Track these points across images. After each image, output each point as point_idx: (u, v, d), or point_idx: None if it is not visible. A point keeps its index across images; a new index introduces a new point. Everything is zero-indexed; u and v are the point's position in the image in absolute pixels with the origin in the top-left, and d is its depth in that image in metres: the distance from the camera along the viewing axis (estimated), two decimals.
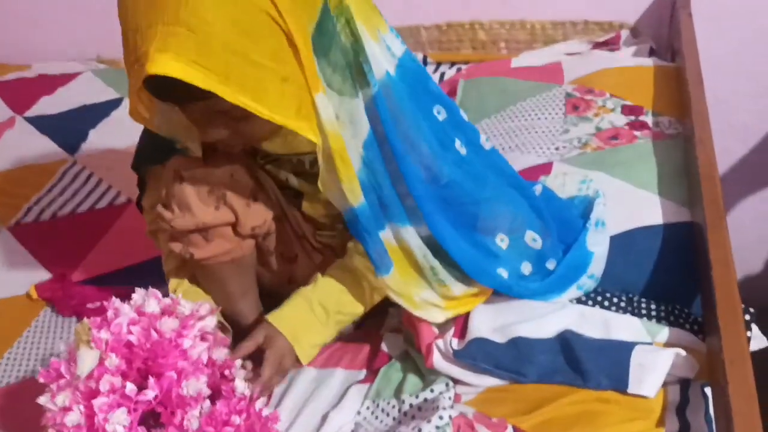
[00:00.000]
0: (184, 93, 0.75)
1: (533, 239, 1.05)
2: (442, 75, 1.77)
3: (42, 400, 0.76)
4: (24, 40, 2.12)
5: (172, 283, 1.06)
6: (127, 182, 1.58)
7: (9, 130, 1.83)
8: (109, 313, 0.78)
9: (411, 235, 0.95)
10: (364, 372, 1.08)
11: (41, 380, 0.77)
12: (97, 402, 0.72)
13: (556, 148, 1.36)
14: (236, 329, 1.04)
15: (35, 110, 1.89)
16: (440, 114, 0.94)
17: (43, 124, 1.83)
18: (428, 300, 1.01)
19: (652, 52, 1.67)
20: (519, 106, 1.51)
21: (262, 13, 0.74)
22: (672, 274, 1.07)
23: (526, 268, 1.05)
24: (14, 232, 1.49)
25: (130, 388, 0.72)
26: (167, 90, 0.76)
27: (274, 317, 1.00)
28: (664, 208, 1.15)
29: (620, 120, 1.39)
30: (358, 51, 0.85)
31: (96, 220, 1.50)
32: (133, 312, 0.78)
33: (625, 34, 1.74)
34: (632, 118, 1.40)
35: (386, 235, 0.94)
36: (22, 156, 1.72)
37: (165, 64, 0.71)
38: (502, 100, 1.54)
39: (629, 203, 1.18)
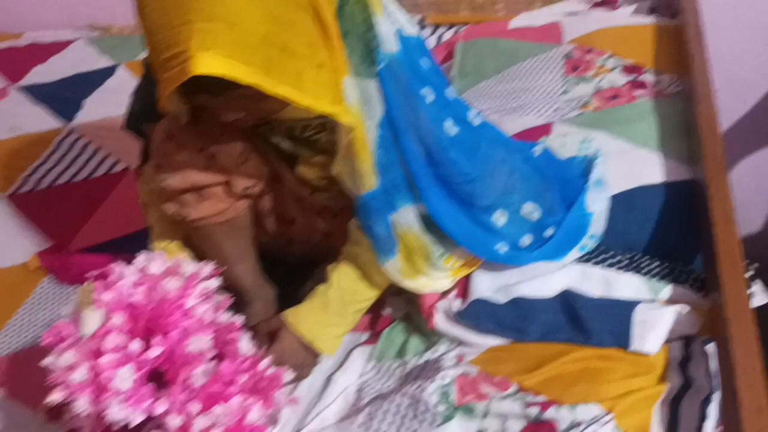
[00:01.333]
0: (216, 86, 0.74)
1: (531, 211, 1.05)
2: (440, 37, 1.75)
3: (47, 360, 0.76)
4: (15, 8, 2.09)
5: (158, 245, 1.06)
6: (124, 151, 1.57)
7: (3, 100, 1.81)
8: (112, 276, 0.77)
9: (413, 214, 0.96)
10: (367, 334, 1.08)
11: (45, 342, 0.78)
12: (103, 360, 0.72)
13: (556, 109, 1.35)
14: (235, 293, 1.03)
15: (28, 79, 1.87)
16: (428, 96, 0.93)
17: (37, 93, 1.81)
18: (433, 277, 1.02)
19: (652, 10, 1.65)
20: (518, 68, 1.50)
21: (294, 1, 0.74)
22: (673, 231, 1.07)
23: (526, 240, 1.05)
24: (12, 202, 1.48)
25: (135, 346, 0.73)
26: (195, 83, 0.74)
27: (293, 317, 1.00)
28: (665, 167, 1.15)
29: (620, 79, 1.38)
30: (369, 29, 0.85)
31: (93, 188, 1.49)
32: (137, 273, 0.78)
33: None
34: (632, 77, 1.39)
35: (395, 217, 0.95)
36: (16, 126, 1.70)
37: (208, 64, 0.70)
38: (500, 62, 1.53)
39: (630, 162, 1.17)
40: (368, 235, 0.96)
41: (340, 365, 1.03)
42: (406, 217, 0.96)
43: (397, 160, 0.92)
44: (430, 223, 0.98)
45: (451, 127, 0.96)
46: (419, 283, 1.02)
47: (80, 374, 0.73)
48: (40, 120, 1.71)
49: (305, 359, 1.01)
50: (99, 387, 0.73)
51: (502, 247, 1.03)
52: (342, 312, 1.01)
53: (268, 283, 1.11)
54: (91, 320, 0.73)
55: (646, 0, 1.68)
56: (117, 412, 0.73)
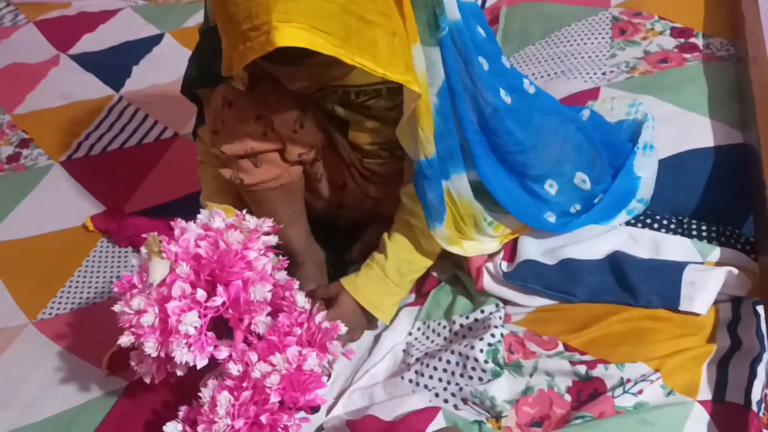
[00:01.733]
0: (291, 56, 0.76)
1: (582, 180, 1.05)
2: (484, 2, 1.74)
3: (117, 307, 0.80)
4: None
5: (210, 204, 1.08)
6: (173, 117, 1.60)
7: (54, 68, 1.85)
8: (176, 231, 0.80)
9: (465, 182, 0.97)
10: (413, 295, 1.10)
11: (115, 291, 0.81)
12: (170, 305, 0.75)
13: (603, 73, 1.34)
14: (286, 255, 1.06)
15: (78, 48, 1.91)
16: (484, 65, 0.93)
17: (86, 61, 1.85)
18: (481, 241, 1.04)
19: None
20: (564, 32, 1.48)
21: None
22: (723, 195, 1.06)
23: (575, 208, 1.05)
24: (66, 167, 1.53)
25: (201, 293, 0.76)
26: (270, 53, 0.75)
27: (351, 284, 1.02)
28: (715, 131, 1.14)
29: (669, 43, 1.36)
30: None
31: (145, 154, 1.53)
32: (200, 228, 0.81)
33: None
34: (682, 40, 1.36)
35: (447, 184, 0.96)
36: (68, 93, 1.75)
37: (291, 35, 0.71)
38: (546, 26, 1.52)
39: (679, 126, 1.16)
40: (421, 201, 0.97)
41: (388, 325, 1.05)
42: (459, 185, 0.97)
43: (454, 128, 0.93)
44: (480, 191, 0.99)
45: (505, 96, 0.96)
46: (465, 248, 1.03)
47: (149, 318, 0.77)
48: (90, 87, 1.75)
49: (360, 324, 1.04)
50: (165, 331, 0.76)
51: (550, 216, 1.03)
52: (399, 282, 1.03)
53: (317, 246, 1.13)
54: (159, 269, 0.77)
55: None
56: (182, 355, 0.76)
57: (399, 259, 1.03)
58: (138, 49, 1.86)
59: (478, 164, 0.95)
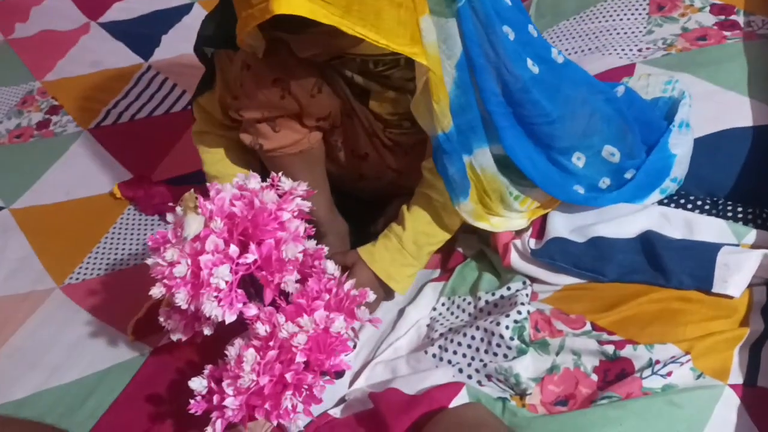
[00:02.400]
0: (295, 24, 0.75)
1: (611, 153, 1.02)
2: None
3: (150, 260, 0.80)
4: None
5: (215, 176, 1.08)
6: None
7: (84, 36, 1.86)
8: (212, 192, 0.80)
9: (489, 156, 0.96)
10: (438, 270, 1.09)
11: (150, 246, 0.82)
12: (203, 258, 0.76)
13: (639, 50, 1.30)
14: (316, 235, 1.05)
15: (108, 16, 1.92)
16: (510, 34, 0.91)
17: (116, 29, 1.86)
18: (508, 217, 1.02)
19: None
20: (599, 7, 1.45)
21: None
22: (760, 176, 1.03)
23: (604, 183, 1.03)
24: (95, 135, 1.53)
25: (233, 249, 0.76)
26: (275, 21, 0.75)
27: (368, 254, 1.02)
28: (754, 110, 1.11)
29: (709, 20, 1.33)
30: None
31: (172, 123, 1.53)
32: (235, 189, 0.81)
33: None
34: (722, 17, 1.33)
35: (470, 159, 0.95)
36: (98, 61, 1.75)
37: (289, 4, 0.71)
38: (580, 1, 1.48)
39: (717, 105, 1.13)
40: (442, 176, 0.96)
41: (413, 299, 1.05)
42: (482, 159, 0.96)
43: (474, 102, 0.91)
44: (506, 165, 0.97)
45: (532, 66, 0.94)
46: (493, 223, 1.02)
47: (181, 269, 0.77)
48: (120, 56, 1.76)
49: (377, 293, 1.03)
50: (197, 284, 0.77)
51: (579, 189, 1.01)
52: (416, 254, 1.03)
53: (341, 217, 1.13)
54: (194, 224, 0.77)
55: None
56: (211, 308, 0.77)
57: (417, 232, 1.02)
58: (167, 18, 1.86)
59: (503, 137, 0.94)
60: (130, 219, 1.32)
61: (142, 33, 1.82)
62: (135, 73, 1.68)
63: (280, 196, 0.82)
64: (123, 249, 1.26)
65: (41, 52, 1.83)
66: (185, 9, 1.88)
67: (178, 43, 1.76)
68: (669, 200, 1.04)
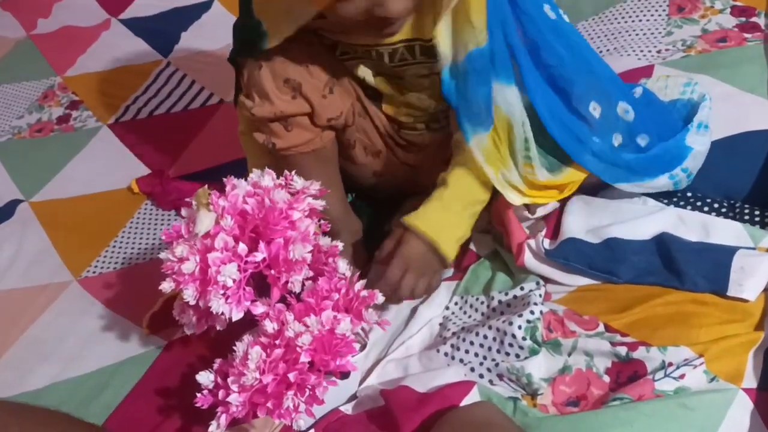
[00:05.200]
0: None
1: (626, 111, 1.01)
2: None
3: (162, 255, 0.81)
4: None
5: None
6: (219, 83, 1.61)
7: (105, 32, 1.88)
8: (228, 187, 0.81)
9: (515, 95, 0.93)
10: (452, 270, 1.09)
11: (164, 239, 0.83)
12: (212, 256, 0.76)
13: (658, 51, 1.30)
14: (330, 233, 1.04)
15: (129, 13, 1.94)
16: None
17: (136, 26, 1.87)
18: (510, 181, 0.99)
19: None
20: (618, 8, 1.44)
21: None
22: None
23: (617, 139, 1.01)
24: (114, 130, 1.55)
25: (242, 247, 0.77)
26: None
27: (411, 218, 0.99)
28: None
29: (729, 21, 1.31)
30: None
31: (190, 119, 1.54)
32: (250, 186, 0.82)
33: None
34: (743, 19, 1.31)
35: (497, 87, 0.92)
36: (118, 57, 1.77)
37: None
38: (599, 1, 1.48)
39: (736, 107, 1.12)
40: (464, 103, 0.93)
41: (425, 298, 1.05)
42: (507, 96, 0.92)
43: (502, 34, 0.90)
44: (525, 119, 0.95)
45: (549, 11, 0.95)
46: (496, 180, 0.98)
47: (190, 266, 0.78)
48: (139, 52, 1.77)
49: (432, 263, 1.00)
50: (205, 280, 0.77)
51: (594, 141, 0.98)
52: (461, 212, 1.00)
53: (354, 215, 1.13)
54: (205, 220, 0.77)
55: None
56: (219, 305, 0.77)
57: (460, 187, 0.99)
58: (187, 15, 1.88)
59: (523, 74, 0.92)
60: (147, 214, 1.33)
61: (161, 29, 1.84)
62: (154, 70, 1.70)
63: (292, 194, 0.82)
64: (140, 243, 1.28)
65: (62, 48, 1.85)
66: (204, 6, 1.89)
67: (198, 40, 1.78)
68: (685, 202, 1.03)
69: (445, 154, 1.03)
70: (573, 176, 1.00)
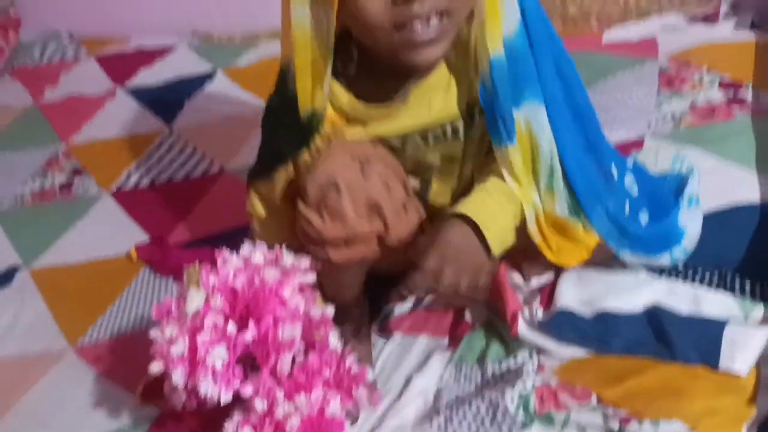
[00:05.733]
0: None
1: (632, 183, 1.03)
2: None
3: (152, 333, 0.82)
4: (122, 14, 2.22)
5: None
6: (220, 152, 1.64)
7: (110, 101, 1.92)
8: (219, 262, 0.82)
9: (543, 116, 0.90)
10: (446, 339, 1.10)
11: (154, 316, 0.83)
12: (201, 337, 0.77)
13: (648, 124, 1.33)
14: (340, 318, 0.98)
15: (135, 82, 1.98)
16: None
17: (141, 95, 1.92)
18: (531, 198, 0.94)
19: (753, 25, 1.60)
20: (610, 81, 1.49)
21: None
22: None
23: (626, 208, 1.01)
24: (116, 197, 1.57)
25: (231, 328, 0.77)
26: None
27: (455, 207, 0.91)
28: (762, 186, 1.12)
29: (717, 95, 1.35)
30: None
31: (191, 187, 1.56)
32: (240, 262, 0.82)
33: (725, 6, 1.67)
34: (730, 93, 1.36)
35: (518, 114, 0.90)
36: (122, 125, 1.80)
37: None
38: (592, 75, 1.51)
39: (725, 179, 1.15)
40: (491, 114, 0.90)
41: (419, 368, 1.05)
42: (533, 118, 0.90)
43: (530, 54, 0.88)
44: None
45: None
46: (518, 191, 0.93)
47: (179, 348, 0.78)
48: (144, 120, 1.81)
49: (476, 254, 0.88)
50: (194, 361, 0.78)
51: (609, 201, 0.97)
52: (502, 202, 0.91)
53: (363, 297, 1.09)
54: (195, 299, 0.78)
55: (747, 15, 1.63)
56: (208, 387, 0.77)
57: (498, 181, 0.93)
58: (191, 85, 1.92)
59: (550, 109, 0.89)
60: (144, 281, 1.34)
61: (166, 98, 1.88)
62: (157, 138, 1.73)
63: (284, 271, 0.83)
64: (136, 311, 1.28)
65: (68, 116, 1.89)
66: (209, 76, 1.94)
67: (201, 110, 1.81)
68: (676, 273, 1.04)
69: None
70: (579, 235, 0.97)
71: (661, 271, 1.05)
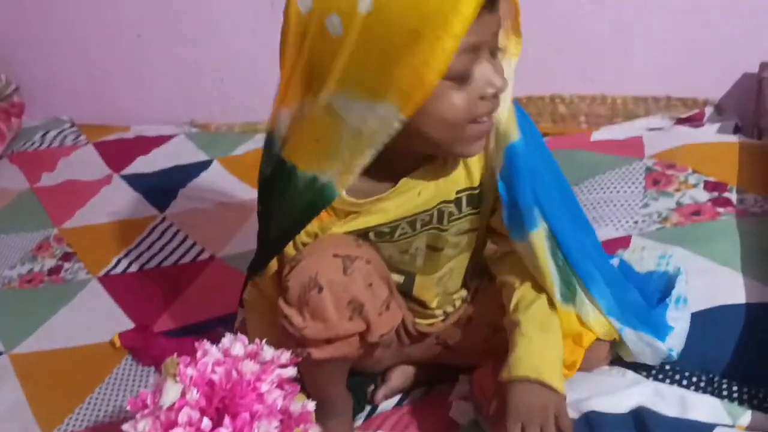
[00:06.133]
0: None
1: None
2: None
3: (125, 426, 0.79)
4: (125, 105, 2.27)
5: None
6: (211, 239, 1.65)
7: (106, 187, 1.94)
8: (199, 353, 0.81)
9: (539, 238, 0.91)
10: None
11: (130, 408, 0.81)
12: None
13: (635, 222, 1.34)
14: (323, 413, 0.96)
15: (131, 169, 2.01)
16: None
17: (137, 182, 1.94)
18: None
19: (737, 129, 1.64)
20: (597, 179, 1.51)
21: None
22: (756, 355, 1.03)
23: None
24: (103, 283, 1.57)
25: (206, 423, 0.75)
26: None
27: (505, 372, 0.90)
28: (747, 287, 1.12)
29: (702, 196, 1.37)
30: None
31: (180, 274, 1.56)
32: (220, 353, 0.81)
33: (709, 110, 1.72)
34: (715, 194, 1.37)
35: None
36: (116, 211, 1.82)
37: None
38: (580, 173, 1.54)
39: (711, 280, 1.15)
40: (511, 204, 0.90)
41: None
42: (533, 241, 0.91)
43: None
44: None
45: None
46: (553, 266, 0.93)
47: None
48: (137, 207, 1.82)
49: (548, 402, 0.87)
50: None
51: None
52: (545, 337, 0.91)
53: (349, 395, 1.07)
54: (171, 392, 0.76)
55: (731, 119, 1.68)
56: None
57: (530, 314, 0.92)
58: (187, 173, 1.94)
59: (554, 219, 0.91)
60: (126, 369, 1.32)
61: (160, 186, 1.90)
62: (149, 224, 1.74)
63: (262, 363, 0.82)
64: (115, 400, 1.25)
65: (63, 201, 1.90)
66: (205, 165, 1.97)
67: (195, 197, 1.83)
68: (664, 375, 1.03)
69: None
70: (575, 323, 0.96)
71: (647, 373, 1.03)
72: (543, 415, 0.86)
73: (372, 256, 0.90)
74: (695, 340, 1.05)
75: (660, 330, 1.03)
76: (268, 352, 0.82)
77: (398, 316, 0.94)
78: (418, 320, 1.06)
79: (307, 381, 0.98)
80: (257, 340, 0.84)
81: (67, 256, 1.68)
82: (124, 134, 2.22)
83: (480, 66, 0.79)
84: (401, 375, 1.13)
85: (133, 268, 1.60)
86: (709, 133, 1.62)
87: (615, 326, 0.97)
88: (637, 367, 1.04)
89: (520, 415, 0.87)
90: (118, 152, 2.10)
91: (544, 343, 0.91)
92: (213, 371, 0.78)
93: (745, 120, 1.69)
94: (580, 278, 0.94)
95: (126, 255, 1.64)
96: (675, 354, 1.03)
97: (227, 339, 0.84)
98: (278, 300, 0.89)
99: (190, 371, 0.78)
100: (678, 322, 1.05)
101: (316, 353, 0.89)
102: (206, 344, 0.83)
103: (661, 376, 1.03)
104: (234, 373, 0.78)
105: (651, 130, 1.70)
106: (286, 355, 0.83)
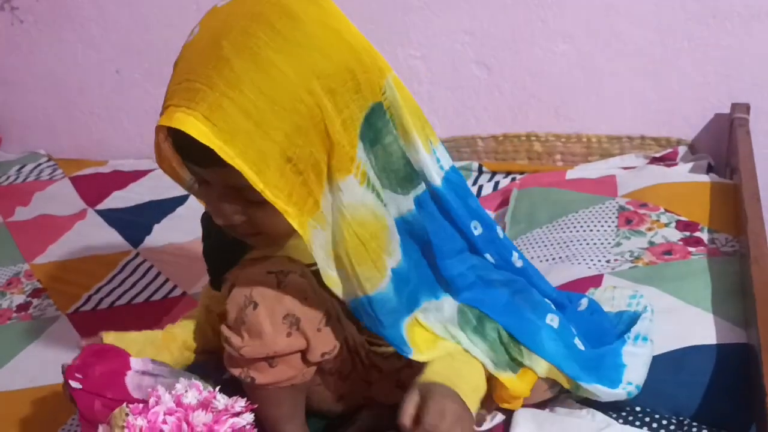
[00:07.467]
0: (200, 154, 0.74)
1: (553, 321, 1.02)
2: (497, 184, 1.79)
3: None
4: (103, 139, 2.27)
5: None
6: (184, 276, 1.63)
7: (80, 222, 1.92)
8: (151, 400, 0.79)
9: (449, 304, 0.94)
10: None
11: None
12: None
13: (607, 261, 1.34)
14: None
15: (107, 204, 1.99)
16: (476, 229, 0.95)
17: (111, 217, 1.92)
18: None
19: (710, 169, 1.66)
20: (571, 217, 1.51)
21: (297, 91, 0.74)
22: (726, 397, 1.02)
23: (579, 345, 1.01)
24: (72, 320, 1.54)
25: None
26: (188, 148, 0.77)
27: (423, 375, 0.90)
28: (718, 328, 1.11)
29: (674, 235, 1.37)
30: (409, 158, 0.87)
31: (151, 310, 1.54)
32: (173, 402, 0.79)
33: (682, 150, 1.74)
34: (687, 233, 1.37)
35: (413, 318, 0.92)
36: (89, 246, 1.79)
37: (173, 117, 0.73)
38: (554, 211, 1.55)
39: (681, 320, 1.14)
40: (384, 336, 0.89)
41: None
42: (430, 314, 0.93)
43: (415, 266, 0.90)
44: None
45: (490, 258, 0.98)
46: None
47: None
48: (110, 242, 1.80)
49: (464, 411, 0.86)
50: None
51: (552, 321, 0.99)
52: (459, 368, 0.91)
53: None
54: None
55: (704, 158, 1.69)
56: None
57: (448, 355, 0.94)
58: (162, 208, 1.93)
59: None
60: None
61: (135, 221, 1.88)
62: (122, 260, 1.72)
63: (216, 411, 0.80)
64: None
65: (35, 236, 1.88)
66: (180, 200, 1.95)
67: (169, 232, 1.81)
68: (634, 417, 1.02)
69: (402, 377, 1.02)
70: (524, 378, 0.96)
71: (617, 415, 1.02)
72: (460, 418, 0.84)
73: (306, 272, 0.90)
74: (666, 381, 1.04)
75: (613, 374, 1.01)
76: (221, 401, 0.80)
77: (339, 332, 0.93)
78: (374, 348, 1.03)
79: (261, 417, 0.95)
80: (209, 389, 0.82)
81: (36, 293, 1.65)
82: (101, 168, 2.21)
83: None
84: (368, 417, 1.11)
85: (104, 305, 1.57)
86: (681, 172, 1.63)
87: (564, 373, 0.97)
88: (607, 409, 1.02)
89: (438, 408, 0.83)
90: (94, 187, 2.09)
91: (454, 372, 0.90)
92: (164, 421, 0.76)
93: (717, 159, 1.70)
94: (522, 344, 0.95)
95: (97, 291, 1.62)
96: (635, 388, 1.00)
97: (181, 385, 0.82)
98: (221, 328, 0.89)
99: (140, 422, 0.76)
100: (634, 357, 1.03)
101: (260, 378, 0.89)
102: (160, 391, 0.81)
103: (631, 418, 1.01)
104: (184, 427, 0.76)
105: (625, 168, 1.71)
106: (240, 403, 0.81)
